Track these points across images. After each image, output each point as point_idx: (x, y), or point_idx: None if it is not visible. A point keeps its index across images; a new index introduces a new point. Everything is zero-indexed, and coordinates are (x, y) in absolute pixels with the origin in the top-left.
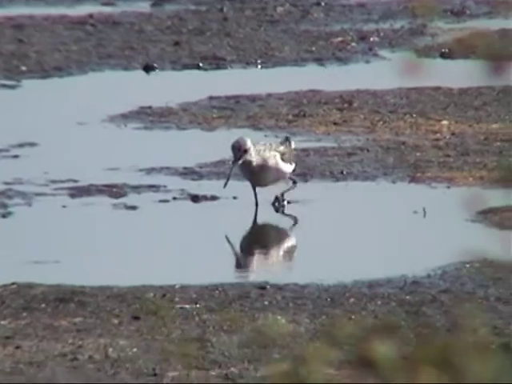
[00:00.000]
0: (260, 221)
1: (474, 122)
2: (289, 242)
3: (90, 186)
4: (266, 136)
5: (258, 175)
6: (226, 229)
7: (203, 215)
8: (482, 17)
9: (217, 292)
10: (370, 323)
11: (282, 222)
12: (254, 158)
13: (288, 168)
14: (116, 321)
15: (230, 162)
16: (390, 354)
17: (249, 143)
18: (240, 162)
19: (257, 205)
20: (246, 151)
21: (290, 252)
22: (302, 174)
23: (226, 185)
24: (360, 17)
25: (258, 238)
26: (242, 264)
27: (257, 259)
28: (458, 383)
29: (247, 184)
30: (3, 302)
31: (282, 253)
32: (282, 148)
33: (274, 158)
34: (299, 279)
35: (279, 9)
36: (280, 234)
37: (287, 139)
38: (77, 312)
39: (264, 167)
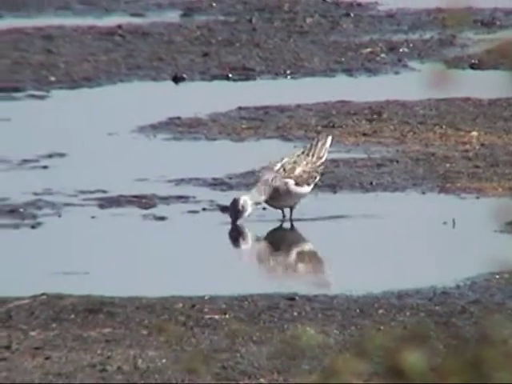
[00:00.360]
0: (289, 233)
1: (504, 133)
2: (318, 253)
3: (119, 196)
4: (295, 147)
5: (271, 202)
6: (254, 241)
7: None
8: None
9: (246, 303)
10: (400, 333)
11: (312, 233)
12: (259, 199)
13: (304, 189)
14: (145, 331)
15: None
16: (420, 364)
17: (242, 202)
18: (238, 221)
19: (287, 219)
20: (240, 211)
21: (319, 263)
22: (331, 185)
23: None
24: (389, 27)
25: (287, 250)
26: (271, 275)
27: (286, 270)
28: None
29: None
30: (33, 312)
31: (311, 264)
32: (298, 171)
33: (285, 186)
34: (328, 290)
35: (308, 20)
36: (310, 245)
37: (326, 135)
38: (106, 323)
39: (273, 195)
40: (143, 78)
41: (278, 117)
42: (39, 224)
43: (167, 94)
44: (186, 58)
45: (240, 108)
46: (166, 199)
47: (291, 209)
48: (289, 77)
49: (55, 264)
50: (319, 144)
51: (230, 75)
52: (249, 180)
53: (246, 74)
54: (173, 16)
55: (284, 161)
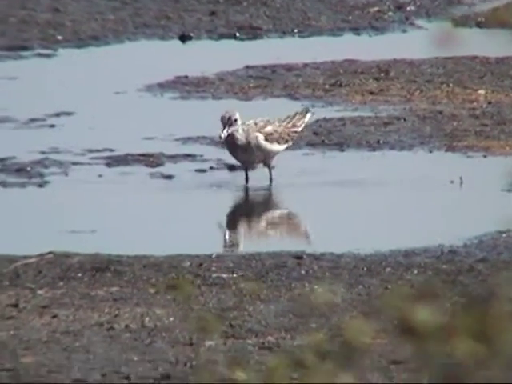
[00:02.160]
0: (297, 191)
1: (511, 91)
2: (326, 211)
3: (126, 155)
4: (302, 105)
5: (241, 154)
6: (263, 198)
7: (240, 184)
8: None
9: (253, 261)
10: (408, 292)
11: (319, 191)
12: (239, 135)
13: (274, 147)
14: (152, 290)
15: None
16: (433, 320)
17: (237, 115)
18: (227, 132)
19: (271, 180)
20: (235, 121)
21: (326, 221)
22: (339, 144)
23: (221, 137)
24: None
25: (294, 208)
26: (278, 234)
27: (293, 228)
28: (494, 352)
29: (287, 152)
30: (40, 271)
31: (318, 222)
32: (269, 128)
33: (255, 139)
34: (336, 249)
35: None
36: (316, 204)
37: (305, 111)
38: (113, 281)
39: (247, 146)
40: (150, 37)
41: (285, 75)
42: (46, 183)
43: (174, 52)
44: (193, 17)
45: (247, 67)
46: (173, 158)
47: (269, 168)
48: (296, 35)
49: (62, 223)
50: (297, 116)
51: (238, 34)
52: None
53: (253, 32)
54: None
55: (257, 119)
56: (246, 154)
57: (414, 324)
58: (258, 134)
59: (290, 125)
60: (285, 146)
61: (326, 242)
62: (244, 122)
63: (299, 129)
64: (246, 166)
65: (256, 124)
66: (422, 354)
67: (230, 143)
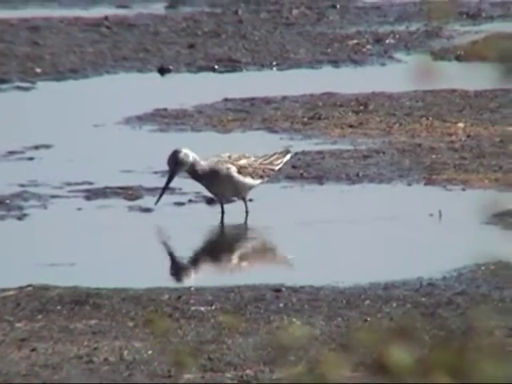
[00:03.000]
0: (277, 224)
1: (490, 125)
2: (304, 245)
3: (105, 188)
4: (281, 139)
5: (209, 185)
6: (239, 232)
7: (218, 218)
8: (497, 19)
9: (232, 294)
10: (386, 326)
11: (297, 225)
12: (199, 167)
13: (247, 180)
14: (131, 323)
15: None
16: (405, 359)
17: (183, 155)
18: (175, 175)
19: (246, 213)
20: (182, 164)
21: (305, 254)
22: (318, 177)
23: (157, 201)
24: (376, 19)
25: (273, 241)
26: (257, 267)
27: (272, 262)
28: None
29: (265, 185)
30: (18, 304)
31: (296, 255)
32: (243, 161)
33: (226, 170)
34: (315, 281)
35: (294, 11)
36: (295, 237)
37: (286, 152)
38: (92, 314)
39: (211, 176)
40: (129, 70)
41: (264, 108)
42: (25, 215)
43: (153, 85)
44: (172, 50)
45: (226, 99)
46: (152, 191)
47: (244, 200)
48: (275, 68)
49: (41, 255)
50: (276, 155)
51: (216, 67)
52: None
53: (232, 65)
54: (158, 7)
55: (234, 153)
56: (212, 186)
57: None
58: (231, 166)
59: (266, 162)
60: (259, 181)
61: (305, 275)
62: (219, 154)
63: (276, 167)
64: (219, 199)
65: (230, 157)
66: None
67: (194, 176)
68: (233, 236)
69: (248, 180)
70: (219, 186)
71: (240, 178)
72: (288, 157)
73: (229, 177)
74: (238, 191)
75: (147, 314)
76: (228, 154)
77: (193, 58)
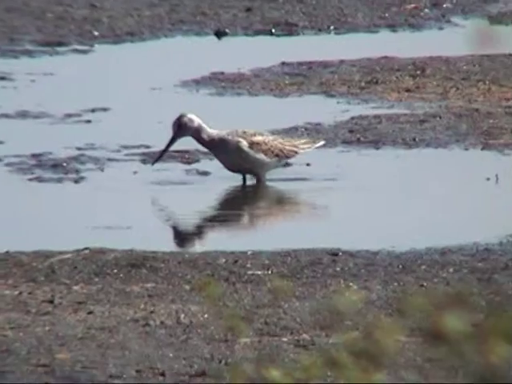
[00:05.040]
0: (334, 188)
1: None
2: (361, 209)
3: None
4: (338, 103)
5: (217, 154)
6: (298, 195)
7: (275, 180)
8: None
9: (289, 258)
10: (442, 292)
11: (354, 189)
12: (205, 134)
13: (258, 156)
14: (187, 286)
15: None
16: (461, 325)
17: (187, 119)
18: (177, 139)
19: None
20: (185, 127)
21: (362, 218)
22: (374, 141)
23: (155, 162)
24: None
25: (330, 206)
26: (313, 231)
27: (328, 226)
28: None
29: (322, 150)
30: (75, 267)
31: (353, 219)
32: (258, 137)
33: (236, 142)
34: (371, 246)
35: None
36: (351, 201)
37: (317, 141)
38: (148, 277)
39: (220, 146)
40: (186, 33)
41: (321, 72)
42: (82, 178)
43: (210, 48)
44: (229, 13)
45: (283, 63)
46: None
47: (259, 180)
48: (332, 32)
49: (98, 219)
50: (304, 140)
51: (273, 30)
52: (292, 135)
53: (289, 29)
54: None
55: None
56: (220, 155)
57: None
58: (241, 140)
59: (289, 143)
60: (274, 159)
61: (361, 240)
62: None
63: (301, 151)
64: (231, 170)
65: (245, 132)
66: (455, 357)
67: (202, 142)
68: (288, 200)
69: (260, 156)
70: (227, 156)
71: (250, 151)
72: (318, 144)
73: (238, 149)
74: (248, 165)
75: (199, 279)
76: (244, 130)
77: (250, 22)
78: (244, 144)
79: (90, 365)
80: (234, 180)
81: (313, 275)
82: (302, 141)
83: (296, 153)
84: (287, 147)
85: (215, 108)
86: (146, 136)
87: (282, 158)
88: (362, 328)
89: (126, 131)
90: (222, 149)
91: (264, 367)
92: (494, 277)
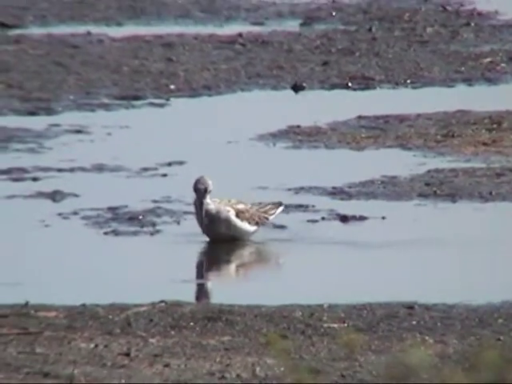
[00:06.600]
0: (410, 241)
1: None
2: (436, 262)
3: None
4: (414, 156)
5: (209, 224)
6: (374, 249)
7: (352, 235)
8: None
9: (365, 311)
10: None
11: (433, 243)
12: (210, 204)
13: (246, 226)
14: (263, 340)
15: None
16: None
17: (210, 184)
18: (205, 201)
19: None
20: (209, 192)
21: (438, 271)
22: (451, 195)
23: (202, 226)
24: (510, 37)
25: (407, 258)
26: (389, 284)
27: (404, 279)
28: None
29: (398, 203)
30: (151, 320)
31: (429, 272)
32: (241, 206)
33: (226, 212)
34: (447, 299)
35: (429, 29)
36: (427, 255)
37: (279, 204)
38: (225, 331)
39: (216, 217)
40: (263, 87)
41: (397, 126)
42: (158, 231)
43: (287, 102)
44: (306, 67)
45: (360, 117)
46: (285, 208)
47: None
48: (408, 86)
49: (174, 271)
50: (269, 205)
51: (350, 84)
52: (368, 189)
53: (365, 82)
54: (293, 25)
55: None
56: (212, 226)
57: None
58: (230, 209)
59: (262, 211)
60: (254, 228)
61: (437, 293)
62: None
63: (270, 217)
64: (211, 239)
65: (229, 200)
66: None
67: (201, 210)
68: (365, 254)
69: (244, 225)
70: (221, 229)
71: (238, 222)
72: (280, 209)
73: (227, 220)
74: (238, 236)
75: (269, 334)
76: (227, 199)
77: (326, 75)
78: (232, 213)
79: None
80: (310, 233)
81: (388, 329)
82: (268, 206)
83: (267, 219)
84: (262, 214)
85: (292, 161)
86: (223, 189)
87: (259, 225)
88: (437, 382)
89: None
90: (216, 224)
91: None
92: None
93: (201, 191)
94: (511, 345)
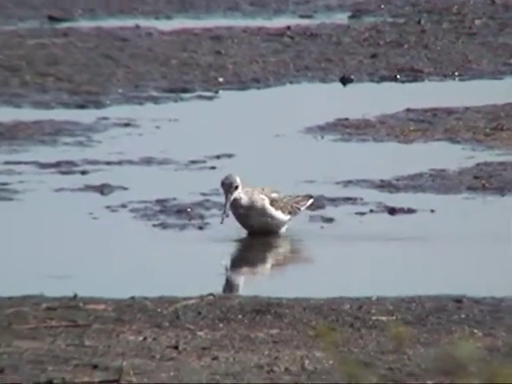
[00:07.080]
0: (459, 235)
1: None
2: (485, 255)
3: None
4: (462, 149)
5: (244, 215)
6: (423, 242)
7: (400, 228)
8: None
9: (413, 304)
10: None
11: (481, 236)
12: (243, 196)
13: (280, 215)
14: (312, 332)
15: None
16: None
17: (238, 180)
18: (232, 198)
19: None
20: (236, 188)
21: (487, 265)
22: (499, 188)
23: (222, 220)
24: None
25: (455, 251)
26: (438, 277)
27: (452, 272)
28: None
29: (446, 196)
30: (200, 312)
31: (478, 265)
32: (274, 195)
33: (261, 201)
34: (496, 292)
35: (477, 21)
36: (476, 248)
37: (309, 197)
38: (273, 323)
39: (250, 208)
40: (311, 79)
41: (445, 119)
42: (207, 224)
43: (335, 95)
44: (355, 60)
45: (408, 110)
46: (333, 201)
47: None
48: (457, 78)
49: (222, 264)
50: (300, 197)
51: (398, 76)
52: (417, 182)
53: (414, 75)
54: (341, 17)
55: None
56: (248, 218)
57: None
58: (264, 197)
59: (294, 201)
60: (288, 217)
61: (486, 286)
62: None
63: (302, 208)
64: (247, 229)
65: (263, 189)
66: None
67: (233, 207)
68: (414, 246)
69: (278, 214)
70: (253, 217)
71: (272, 210)
72: (310, 201)
73: (263, 208)
74: (271, 226)
75: (319, 326)
76: (261, 187)
77: (375, 68)
78: (267, 201)
79: None
80: (359, 226)
81: (437, 322)
82: (299, 197)
83: (299, 209)
84: (295, 205)
85: (340, 154)
86: (271, 182)
87: (292, 214)
88: (485, 375)
89: (250, 177)
90: (250, 214)
91: None
92: None
93: (226, 186)
94: None
